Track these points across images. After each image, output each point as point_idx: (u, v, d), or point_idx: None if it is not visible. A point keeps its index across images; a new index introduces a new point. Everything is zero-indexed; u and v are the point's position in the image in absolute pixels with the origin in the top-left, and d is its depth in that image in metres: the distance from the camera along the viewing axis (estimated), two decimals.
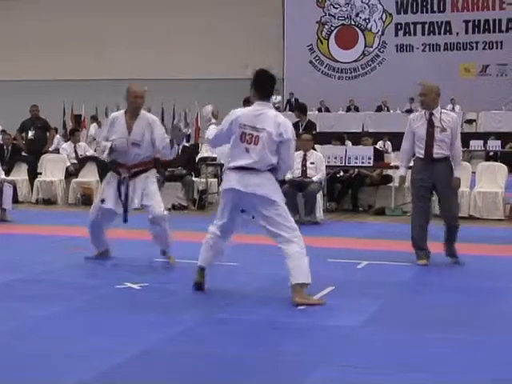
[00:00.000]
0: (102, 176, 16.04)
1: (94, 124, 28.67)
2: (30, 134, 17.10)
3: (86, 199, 15.66)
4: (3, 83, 37.45)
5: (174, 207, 15.01)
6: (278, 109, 31.88)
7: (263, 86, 6.78)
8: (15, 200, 14.63)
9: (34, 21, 37.80)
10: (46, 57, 37.59)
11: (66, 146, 17.44)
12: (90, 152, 18.11)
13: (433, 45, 34.51)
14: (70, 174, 16.40)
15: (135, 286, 7.40)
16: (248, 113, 6.79)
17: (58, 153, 17.75)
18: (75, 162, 16.72)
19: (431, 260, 9.19)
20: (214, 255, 7.12)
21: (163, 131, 8.60)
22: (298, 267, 6.63)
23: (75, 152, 17.02)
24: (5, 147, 17.03)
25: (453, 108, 31.85)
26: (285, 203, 7.00)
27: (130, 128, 8.40)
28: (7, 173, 15.21)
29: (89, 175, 16.25)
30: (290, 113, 29.64)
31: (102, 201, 8.45)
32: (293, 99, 33.48)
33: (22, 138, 17.47)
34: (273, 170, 6.72)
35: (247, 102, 14.48)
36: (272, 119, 6.64)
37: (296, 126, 15.70)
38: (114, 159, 8.49)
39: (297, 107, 18.19)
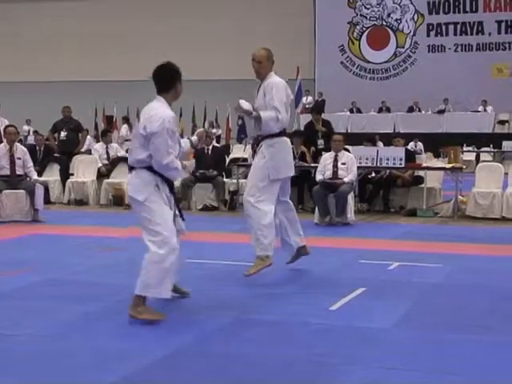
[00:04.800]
0: None
1: (126, 125, 28.82)
2: (63, 134, 17.20)
3: (118, 200, 15.74)
4: (36, 84, 37.79)
5: (204, 208, 15.06)
6: (308, 110, 31.90)
7: (156, 79, 6.38)
8: (47, 200, 14.74)
9: (68, 23, 38.09)
10: (79, 58, 37.85)
11: (98, 147, 17.53)
12: (122, 153, 18.20)
13: (465, 45, 34.31)
14: (102, 174, 16.47)
15: None
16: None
17: (90, 153, 17.85)
18: (107, 162, 16.81)
19: (463, 262, 9.14)
20: None
21: (276, 97, 7.85)
22: (142, 277, 6.08)
23: (107, 153, 17.11)
24: (37, 148, 17.15)
25: (485, 109, 31.67)
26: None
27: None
28: (39, 173, 15.31)
29: (120, 176, 16.29)
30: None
31: None
32: (320, 99, 33.42)
33: (54, 139, 17.57)
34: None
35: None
36: (147, 112, 6.27)
37: (310, 126, 15.66)
38: None
39: (313, 108, 18.21)
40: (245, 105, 8.02)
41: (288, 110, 8.03)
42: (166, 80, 6.39)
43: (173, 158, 6.15)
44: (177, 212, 6.48)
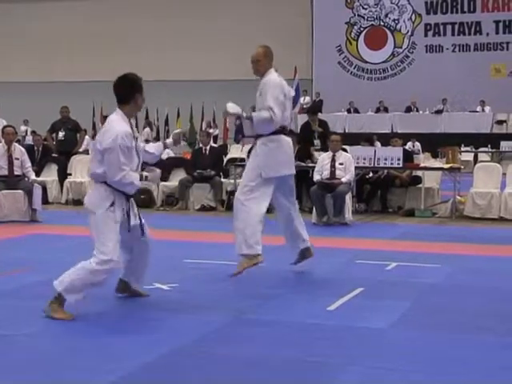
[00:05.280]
0: None
1: None
2: (61, 134, 17.20)
3: None
4: (34, 84, 37.75)
5: (202, 208, 15.07)
6: (305, 110, 32.05)
7: (116, 91, 6.44)
8: (45, 201, 14.73)
9: (65, 22, 38.06)
10: (76, 58, 37.83)
11: None
12: None
13: (463, 45, 34.31)
14: None
15: (164, 287, 7.42)
16: None
17: (88, 154, 17.83)
18: None
19: (460, 262, 9.14)
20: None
21: (270, 96, 7.76)
22: (67, 275, 6.26)
23: None
24: (35, 148, 17.11)
25: (483, 109, 31.67)
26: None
27: None
28: (37, 173, 15.31)
29: None
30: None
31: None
32: (317, 100, 33.40)
33: (52, 139, 17.56)
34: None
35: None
36: (104, 127, 6.41)
37: (307, 126, 15.64)
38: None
39: (309, 109, 18.23)
40: (231, 108, 7.95)
41: (288, 107, 7.92)
42: (125, 92, 6.42)
43: (125, 174, 6.22)
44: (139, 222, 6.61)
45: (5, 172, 13.12)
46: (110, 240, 6.23)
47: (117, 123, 6.29)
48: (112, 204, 6.27)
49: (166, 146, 7.03)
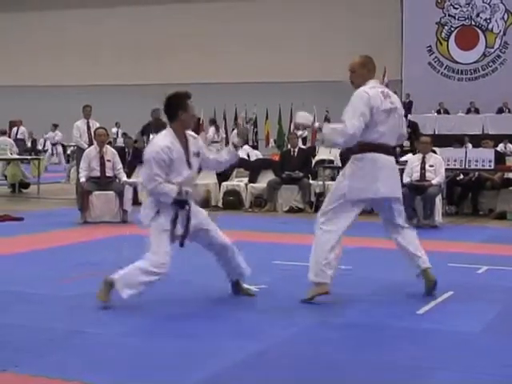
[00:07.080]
0: (219, 179, 16.28)
1: (213, 127, 29.03)
2: (152, 137, 17.44)
3: (204, 202, 15.89)
4: (126, 87, 38.42)
5: (290, 210, 15.10)
6: None
7: (163, 110, 7.02)
8: (136, 202, 14.95)
9: (155, 27, 38.64)
10: (166, 61, 38.35)
11: None
12: None
13: None
14: None
15: (253, 288, 7.45)
16: None
17: None
18: None
19: None
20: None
21: (349, 109, 7.07)
22: (123, 271, 6.69)
23: None
24: (126, 150, 17.41)
25: None
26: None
27: None
28: (128, 175, 15.53)
29: (207, 178, 16.44)
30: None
31: None
32: (407, 101, 33.03)
33: (143, 142, 17.82)
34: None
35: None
36: None
37: None
38: None
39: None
40: (300, 118, 7.25)
41: (382, 120, 7.00)
42: (169, 111, 6.95)
43: (157, 185, 6.58)
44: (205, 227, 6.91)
45: (97, 173, 13.37)
46: (160, 246, 6.59)
47: (159, 139, 6.86)
48: (157, 212, 6.64)
49: (236, 146, 7.29)
